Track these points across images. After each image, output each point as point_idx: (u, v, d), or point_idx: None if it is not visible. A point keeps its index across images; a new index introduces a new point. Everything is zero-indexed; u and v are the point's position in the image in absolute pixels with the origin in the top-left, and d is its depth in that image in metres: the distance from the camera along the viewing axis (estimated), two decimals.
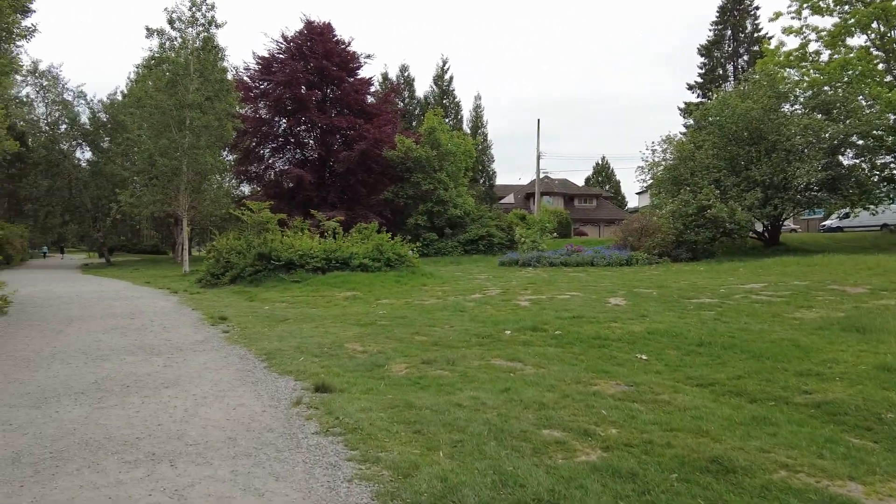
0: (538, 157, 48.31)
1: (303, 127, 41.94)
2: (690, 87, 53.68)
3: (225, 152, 35.79)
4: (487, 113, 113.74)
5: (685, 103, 49.76)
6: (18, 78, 35.01)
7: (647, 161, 30.90)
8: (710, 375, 7.13)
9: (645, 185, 33.55)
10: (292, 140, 42.59)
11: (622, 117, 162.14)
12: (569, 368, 7.52)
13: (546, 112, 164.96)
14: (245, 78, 39.88)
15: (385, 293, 17.02)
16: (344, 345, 9.55)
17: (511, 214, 41.95)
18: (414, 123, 55.06)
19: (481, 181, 58.87)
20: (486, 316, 12.06)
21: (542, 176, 51.54)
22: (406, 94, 59.23)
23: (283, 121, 41.35)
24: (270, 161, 42.80)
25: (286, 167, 41.71)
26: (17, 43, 30.68)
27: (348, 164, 38.15)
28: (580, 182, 76.70)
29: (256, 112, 40.40)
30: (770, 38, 42.64)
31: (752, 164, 25.78)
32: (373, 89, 45.20)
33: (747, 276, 17.04)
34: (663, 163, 30.21)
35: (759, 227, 29.03)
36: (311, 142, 42.76)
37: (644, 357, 8.20)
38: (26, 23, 22.17)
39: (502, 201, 62.38)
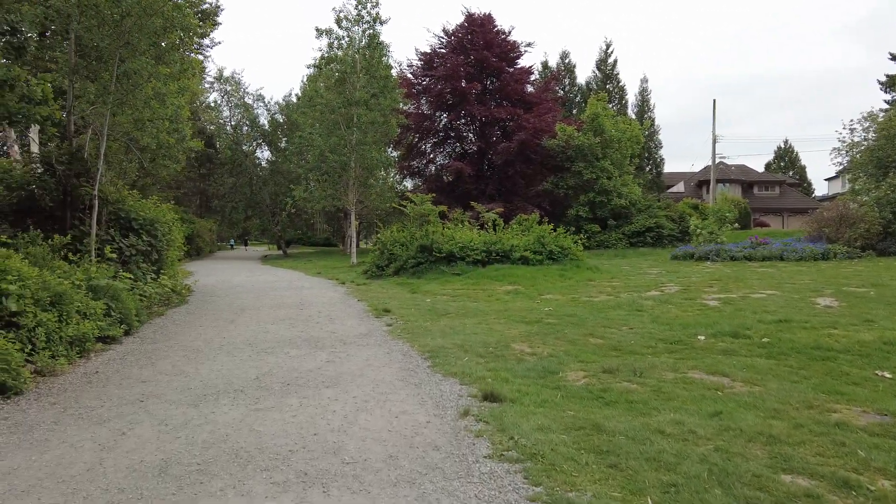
0: (714, 141, 44.44)
1: (462, 120, 41.85)
2: (894, 57, 46.72)
3: (389, 149, 36.53)
4: (654, 97, 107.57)
5: (887, 76, 43.45)
6: (206, 84, 38.25)
7: (844, 142, 27.03)
8: None
9: (841, 167, 29.45)
10: (452, 134, 42.66)
11: (804, 96, 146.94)
12: (791, 387, 6.06)
13: (720, 94, 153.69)
14: (408, 75, 40.53)
15: (548, 288, 15.98)
16: (510, 345, 8.70)
17: (681, 204, 38.93)
18: (575, 111, 53.23)
19: (647, 169, 55.64)
20: (669, 317, 10.63)
21: (716, 161, 47.42)
22: (567, 81, 57.46)
23: (444, 115, 41.53)
24: (431, 156, 43.21)
25: (446, 161, 41.93)
26: (206, 53, 33.29)
27: (507, 155, 37.43)
28: (759, 168, 69.97)
29: (419, 108, 40.88)
30: None
31: None
32: (532, 78, 44.09)
33: None
34: (865, 143, 26.23)
35: None
36: (470, 135, 42.57)
37: (888, 375, 6.49)
38: (213, 34, 23.75)
39: (670, 190, 58.51)
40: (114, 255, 11.28)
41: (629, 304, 12.15)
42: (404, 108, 35.79)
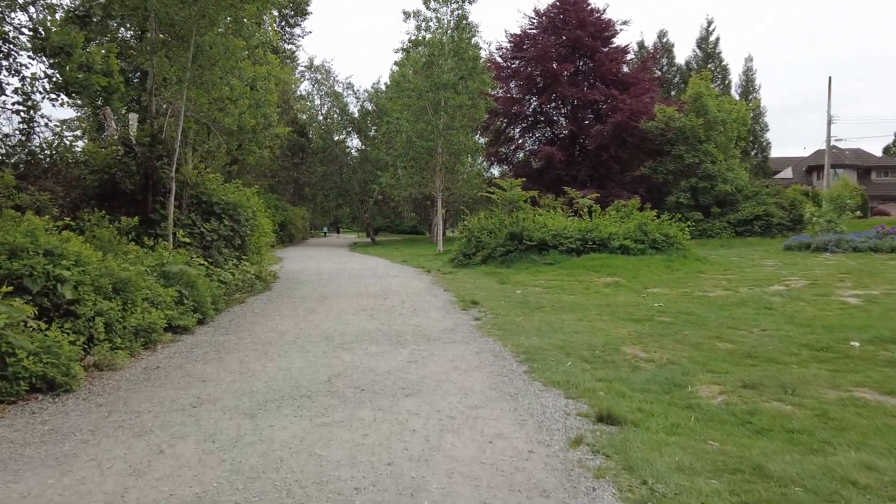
0: (828, 122, 40.50)
1: (553, 104, 40.17)
2: None
3: (477, 135, 35.40)
4: (760, 77, 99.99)
5: None
6: (298, 74, 38.35)
7: None
8: None
9: None
10: (542, 118, 41.05)
11: None
12: None
13: (832, 75, 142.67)
14: (497, 58, 39.16)
15: (653, 280, 14.41)
16: (620, 347, 7.40)
17: (790, 190, 35.67)
18: (673, 93, 50.18)
19: (753, 153, 51.75)
20: (806, 317, 8.97)
21: (830, 144, 43.31)
22: (664, 61, 54.28)
23: (534, 99, 40.00)
24: (520, 141, 41.78)
25: (535, 146, 40.40)
26: (297, 42, 33.28)
27: (600, 139, 35.53)
28: (877, 153, 63.85)
29: (507, 92, 39.50)
30: None
31: None
32: (628, 58, 41.73)
33: None
34: None
35: None
36: (561, 119, 40.81)
37: None
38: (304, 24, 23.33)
39: (777, 176, 54.28)
40: (187, 240, 10.76)
41: (754, 301, 10.50)
42: (492, 91, 34.49)
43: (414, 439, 4.29)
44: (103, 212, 9.49)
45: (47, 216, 6.92)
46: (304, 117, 41.77)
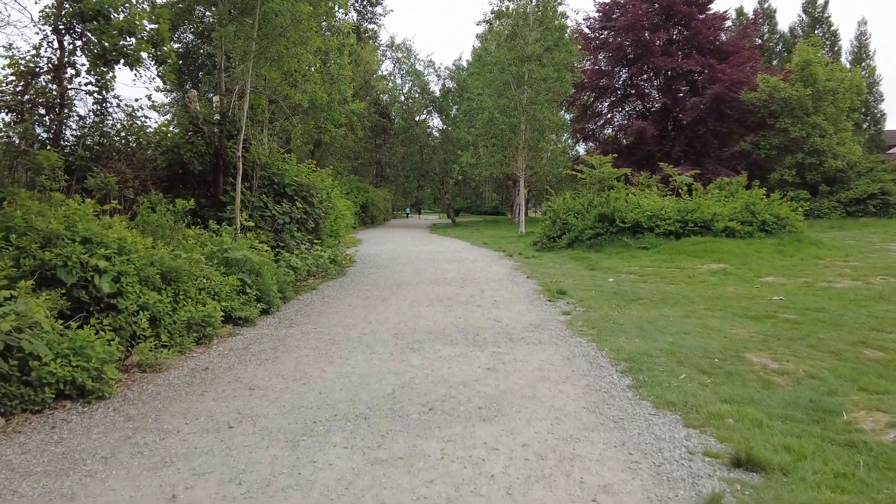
0: None
1: (644, 76, 37.68)
2: None
3: (562, 111, 33.59)
4: (874, 42, 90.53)
5: None
6: (379, 54, 37.68)
7: None
8: None
9: None
10: (632, 91, 38.62)
11: None
12: None
13: None
14: (584, 29, 37.07)
15: (765, 267, 12.71)
16: (743, 354, 6.09)
17: None
18: (775, 62, 46.27)
19: (865, 126, 47.12)
20: None
21: None
22: (765, 28, 50.09)
23: (623, 71, 37.67)
24: (609, 116, 39.52)
25: (625, 121, 38.16)
26: (379, 22, 32.51)
27: (697, 112, 33.03)
28: None
29: (595, 64, 37.39)
30: None
31: None
32: (727, 25, 38.49)
33: None
34: None
35: None
36: (653, 91, 38.32)
37: None
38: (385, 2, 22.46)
39: (893, 150, 49.21)
40: (251, 223, 10.06)
41: None
42: (578, 65, 32.54)
43: (492, 492, 3.24)
44: (160, 194, 8.89)
45: (91, 199, 6.29)
46: (386, 98, 41.15)
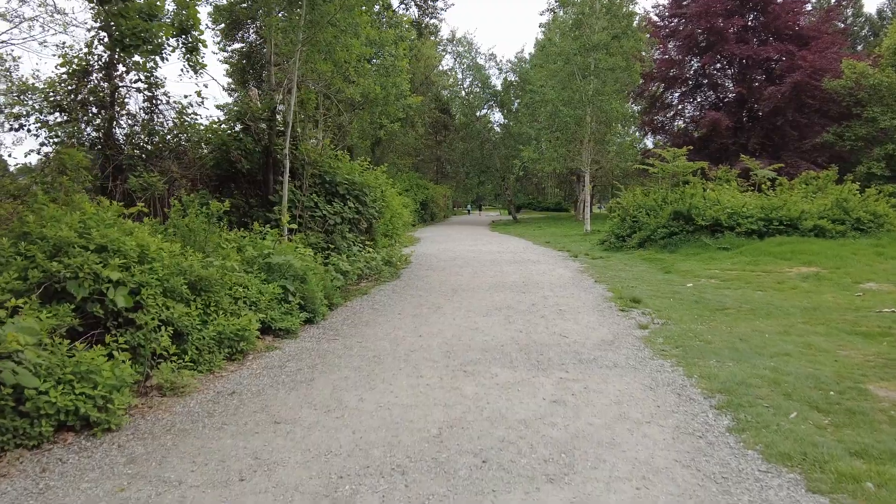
0: None
1: (717, 65, 35.56)
2: None
3: (630, 103, 32.02)
4: None
5: None
6: (440, 49, 36.92)
7: None
8: None
9: None
10: (704, 82, 36.53)
11: None
12: None
13: None
14: (653, 16, 35.27)
15: (864, 272, 11.27)
16: (862, 385, 5.03)
17: None
18: (860, 47, 42.96)
19: None
20: None
21: None
22: (849, 11, 46.64)
23: (695, 60, 35.65)
24: (679, 107, 37.54)
25: (696, 113, 36.17)
26: (440, 16, 31.76)
27: (774, 101, 30.80)
28: None
29: (665, 53, 35.54)
30: None
31: None
32: (807, 8, 35.83)
33: None
34: None
35: None
36: (726, 81, 36.12)
37: None
38: None
39: None
40: (293, 225, 9.41)
41: None
42: (647, 54, 30.90)
43: None
44: (195, 195, 8.34)
45: (116, 202, 5.72)
46: (447, 94, 40.41)
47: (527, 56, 38.37)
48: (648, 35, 29.13)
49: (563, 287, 10.64)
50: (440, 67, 39.58)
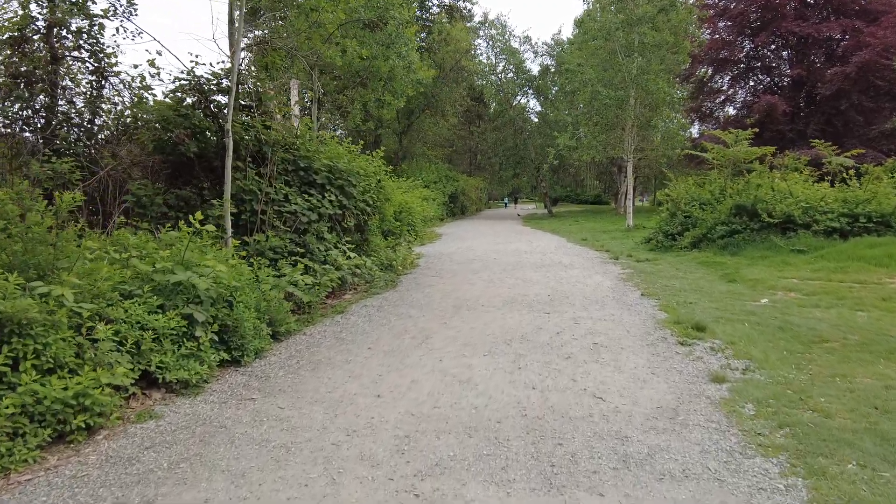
0: None
1: (772, 45, 32.07)
2: None
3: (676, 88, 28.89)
4: None
5: None
6: (472, 34, 34.19)
7: None
8: None
9: None
10: (757, 65, 33.07)
11: None
12: None
13: None
14: None
15: None
16: None
17: None
18: None
19: None
20: None
21: None
22: None
23: (747, 41, 32.23)
24: (730, 92, 34.12)
25: (748, 98, 32.76)
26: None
27: (838, 83, 27.32)
28: None
29: (715, 33, 32.18)
30: None
31: None
32: None
33: None
34: None
35: None
36: (780, 64, 32.62)
37: None
38: None
39: None
40: (219, 233, 6.97)
41: None
42: (695, 30, 27.68)
43: None
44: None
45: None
46: (483, 83, 37.71)
47: (564, 38, 35.34)
48: (696, 15, 25.90)
49: (601, 303, 8.06)
50: (472, 53, 36.84)
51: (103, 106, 8.95)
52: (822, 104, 29.56)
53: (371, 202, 9.78)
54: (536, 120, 38.49)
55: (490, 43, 35.13)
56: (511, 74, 34.99)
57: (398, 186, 16.31)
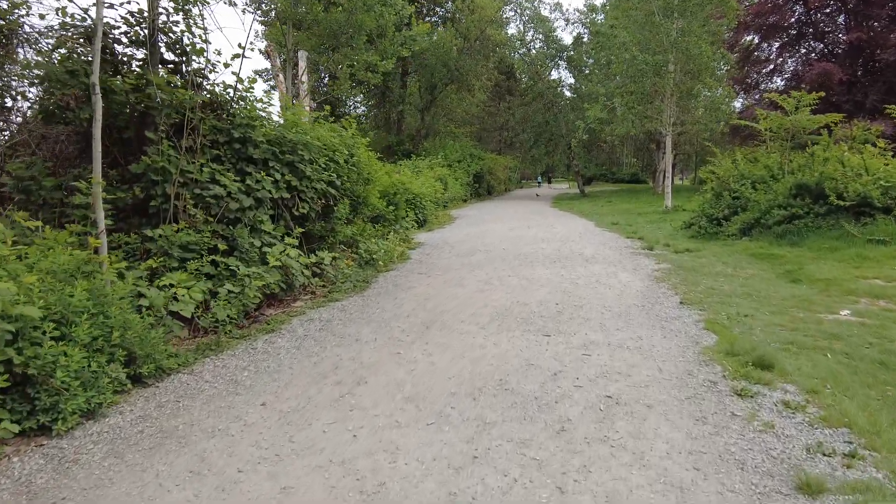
0: None
1: (826, 9, 28.64)
2: None
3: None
4: None
5: None
6: (499, 3, 31.46)
7: None
8: None
9: None
10: (809, 31, 29.66)
11: None
12: None
13: None
14: None
15: None
16: None
17: None
18: None
19: None
20: None
21: None
22: None
23: (798, 5, 28.85)
24: (779, 61, 30.82)
25: (798, 67, 29.50)
26: None
27: None
28: None
29: None
30: None
31: None
32: None
33: None
34: None
35: None
36: (835, 29, 29.19)
37: None
38: None
39: None
40: (86, 228, 4.95)
41: None
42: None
43: None
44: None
45: None
46: (515, 56, 35.00)
47: (598, 2, 32.19)
48: None
49: (625, 318, 5.87)
50: (501, 24, 34.09)
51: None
52: (884, 71, 26.22)
53: (339, 183, 7.72)
54: (570, 94, 35.70)
55: (518, 11, 32.37)
56: (540, 44, 32.21)
57: (406, 167, 14.17)
